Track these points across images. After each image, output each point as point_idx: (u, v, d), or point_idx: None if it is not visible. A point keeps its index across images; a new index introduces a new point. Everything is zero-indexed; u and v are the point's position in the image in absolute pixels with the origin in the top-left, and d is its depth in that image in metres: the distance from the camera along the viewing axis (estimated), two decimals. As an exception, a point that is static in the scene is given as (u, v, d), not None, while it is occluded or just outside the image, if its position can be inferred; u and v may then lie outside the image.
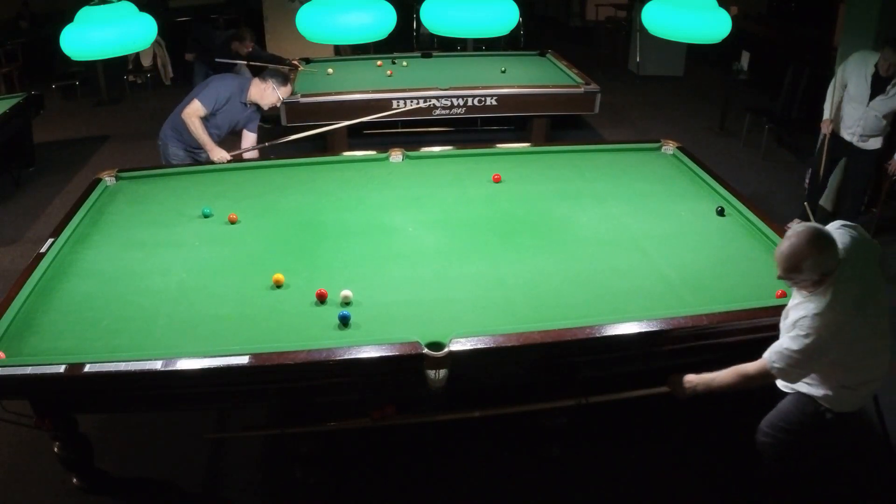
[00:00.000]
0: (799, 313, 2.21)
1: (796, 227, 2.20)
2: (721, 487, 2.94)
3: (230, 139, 4.37)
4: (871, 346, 2.28)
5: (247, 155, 4.30)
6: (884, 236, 4.94)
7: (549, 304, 2.71)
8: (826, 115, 4.70)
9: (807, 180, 5.67)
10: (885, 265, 4.57)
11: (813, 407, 2.38)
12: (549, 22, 12.75)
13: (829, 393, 2.33)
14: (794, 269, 2.16)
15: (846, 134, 4.65)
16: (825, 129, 4.70)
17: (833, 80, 4.67)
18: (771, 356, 2.26)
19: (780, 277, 2.23)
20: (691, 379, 2.51)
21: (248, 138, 4.35)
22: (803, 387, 2.39)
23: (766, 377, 2.31)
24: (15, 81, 8.31)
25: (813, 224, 2.20)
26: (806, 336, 2.17)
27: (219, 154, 4.08)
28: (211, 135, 4.11)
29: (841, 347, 2.20)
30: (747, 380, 2.36)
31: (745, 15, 9.02)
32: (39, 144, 6.52)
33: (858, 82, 4.50)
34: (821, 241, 2.14)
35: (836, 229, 2.30)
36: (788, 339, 2.22)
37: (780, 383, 2.45)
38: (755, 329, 2.64)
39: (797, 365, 2.23)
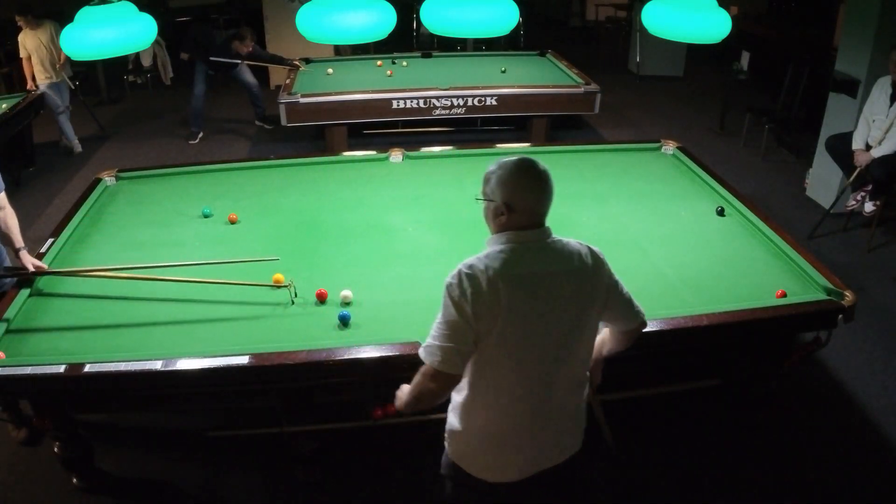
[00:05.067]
0: None
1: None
2: (722, 487, 2.94)
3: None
4: (519, 393, 1.75)
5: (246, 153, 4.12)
6: (884, 237, 4.95)
7: (549, 304, 2.70)
8: (858, 145, 4.72)
9: (807, 180, 5.68)
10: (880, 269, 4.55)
11: (446, 458, 1.91)
12: (549, 22, 12.75)
13: (460, 427, 1.84)
14: (487, 178, 1.79)
15: (874, 143, 4.70)
16: (864, 160, 4.65)
17: (862, 116, 4.74)
18: None
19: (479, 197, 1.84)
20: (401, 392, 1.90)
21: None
22: (451, 418, 1.88)
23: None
24: (15, 81, 8.30)
25: (542, 165, 1.80)
26: (448, 285, 1.72)
27: None
28: None
29: (480, 329, 1.68)
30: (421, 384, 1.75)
31: (745, 15, 9.02)
32: (39, 144, 6.52)
33: (880, 100, 4.61)
34: (530, 172, 1.75)
35: (581, 243, 1.94)
36: None
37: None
38: (755, 329, 2.64)
39: (437, 334, 1.69)
